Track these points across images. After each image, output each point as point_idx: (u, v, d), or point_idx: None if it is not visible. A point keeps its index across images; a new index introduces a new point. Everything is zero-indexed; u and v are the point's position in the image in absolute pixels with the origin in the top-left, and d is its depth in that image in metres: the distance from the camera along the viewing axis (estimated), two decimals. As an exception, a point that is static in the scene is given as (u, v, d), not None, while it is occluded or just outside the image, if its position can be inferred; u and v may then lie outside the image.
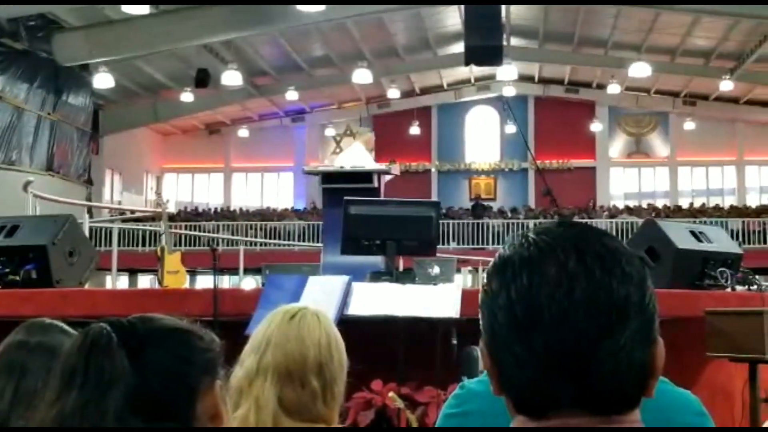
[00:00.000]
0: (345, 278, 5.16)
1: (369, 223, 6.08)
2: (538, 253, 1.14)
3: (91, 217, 15.52)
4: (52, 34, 21.76)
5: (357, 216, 6.09)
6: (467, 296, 4.96)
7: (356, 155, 8.77)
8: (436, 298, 5.01)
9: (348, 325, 3.69)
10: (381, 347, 4.94)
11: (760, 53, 24.37)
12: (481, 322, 1.19)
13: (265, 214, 30.95)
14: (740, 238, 24.63)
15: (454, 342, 4.83)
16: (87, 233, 9.44)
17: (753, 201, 32.14)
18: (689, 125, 32.77)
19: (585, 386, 1.09)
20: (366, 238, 6.02)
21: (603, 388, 1.10)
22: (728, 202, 32.35)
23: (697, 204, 31.59)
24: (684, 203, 32.12)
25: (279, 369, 2.22)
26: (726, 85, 27.53)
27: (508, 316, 1.12)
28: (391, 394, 4.77)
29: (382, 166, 8.53)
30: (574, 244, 1.14)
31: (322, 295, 4.93)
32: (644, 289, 1.13)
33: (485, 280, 1.19)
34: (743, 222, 27.50)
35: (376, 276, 5.75)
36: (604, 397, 1.11)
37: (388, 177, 7.97)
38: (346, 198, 6.22)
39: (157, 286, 10.27)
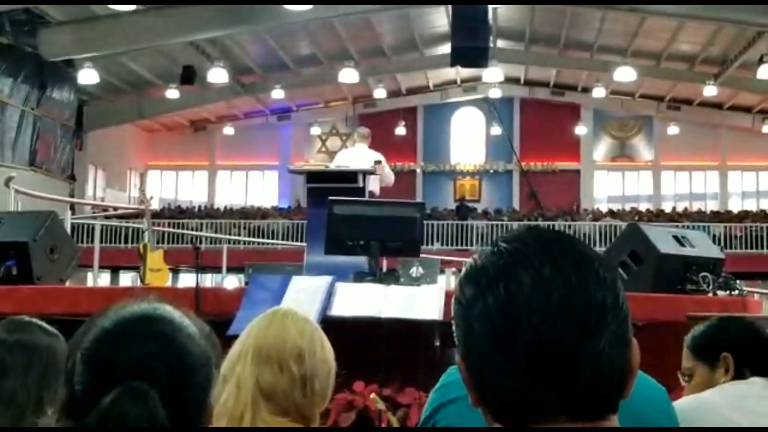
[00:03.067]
0: (328, 278, 5.16)
1: (353, 223, 6.07)
2: (512, 261, 1.14)
3: (73, 213, 15.45)
4: (37, 28, 21.65)
5: (341, 216, 6.08)
6: (450, 298, 4.95)
7: (362, 154, 8.80)
8: (420, 300, 5.01)
9: (330, 325, 3.68)
10: (363, 348, 4.93)
11: (744, 59, 24.49)
12: (455, 333, 1.18)
13: (248, 213, 30.89)
14: (722, 243, 24.72)
15: (437, 344, 4.83)
16: (69, 230, 9.40)
17: (735, 206, 32.33)
18: (673, 130, 32.94)
19: (568, 392, 1.09)
20: (350, 239, 6.01)
21: (585, 392, 1.10)
22: (711, 206, 32.51)
23: (679, 208, 31.73)
24: (667, 207, 32.26)
25: (258, 351, 2.22)
26: (710, 91, 27.70)
27: (486, 326, 1.11)
28: (372, 395, 4.77)
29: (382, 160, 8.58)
30: (548, 250, 1.14)
31: (305, 295, 4.93)
32: (617, 291, 1.14)
33: (457, 292, 1.18)
34: (725, 227, 27.61)
35: (360, 276, 5.75)
36: (586, 402, 1.10)
37: (386, 178, 8.00)
38: (330, 198, 6.22)
39: (138, 283, 10.24)
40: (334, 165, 9.04)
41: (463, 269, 1.21)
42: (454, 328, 1.18)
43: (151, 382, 1.25)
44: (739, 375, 2.84)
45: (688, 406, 2.61)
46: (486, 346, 1.12)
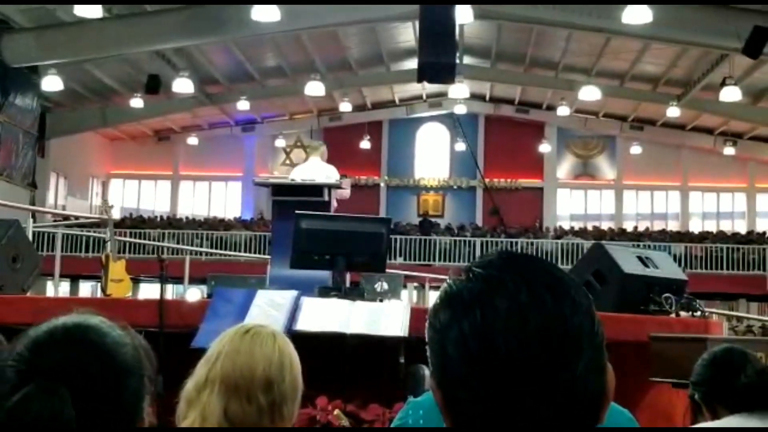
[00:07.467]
0: (294, 293, 5.13)
1: (320, 237, 6.06)
2: (487, 287, 1.13)
3: (34, 221, 15.27)
4: (1, 34, 21.42)
5: (308, 230, 6.06)
6: (415, 314, 4.96)
7: (316, 168, 8.77)
8: (385, 317, 5.01)
9: (295, 339, 3.66)
10: (327, 363, 4.92)
11: (707, 81, 24.78)
12: (429, 358, 1.17)
13: (211, 224, 30.71)
14: (682, 263, 24.95)
15: (402, 360, 4.83)
16: (31, 238, 9.30)
17: (696, 226, 32.69)
18: (636, 149, 33.23)
19: (543, 418, 1.09)
20: (316, 253, 5.99)
21: (561, 418, 1.09)
22: (672, 226, 32.80)
23: (641, 227, 31.99)
24: (629, 226, 32.49)
25: (226, 381, 2.19)
26: (673, 112, 27.97)
27: (462, 352, 1.11)
28: (336, 411, 4.75)
29: (336, 177, 8.55)
30: (523, 275, 1.14)
31: (270, 309, 4.90)
32: (593, 316, 1.14)
33: (431, 317, 1.17)
34: (686, 247, 27.87)
35: (325, 291, 5.73)
36: (562, 428, 1.10)
37: (342, 191, 7.98)
38: (297, 212, 6.19)
39: (99, 293, 10.14)
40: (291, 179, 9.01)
41: (437, 295, 1.19)
42: (428, 353, 1.17)
43: (70, 384, 1.27)
44: (712, 412, 2.63)
45: None
46: (461, 372, 1.11)
